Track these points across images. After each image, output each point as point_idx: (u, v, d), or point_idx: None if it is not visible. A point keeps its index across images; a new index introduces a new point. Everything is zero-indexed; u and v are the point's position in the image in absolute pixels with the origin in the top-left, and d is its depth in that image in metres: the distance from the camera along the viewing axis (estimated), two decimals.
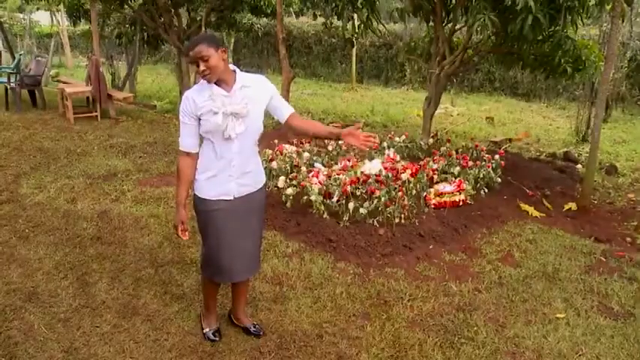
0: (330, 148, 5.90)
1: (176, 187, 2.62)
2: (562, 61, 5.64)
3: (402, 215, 4.45)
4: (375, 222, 4.36)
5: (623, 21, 5.33)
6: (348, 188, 4.56)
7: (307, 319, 3.17)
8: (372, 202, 4.46)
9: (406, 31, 12.94)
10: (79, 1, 9.78)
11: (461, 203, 4.94)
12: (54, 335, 2.94)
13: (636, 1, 5.97)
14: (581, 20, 5.38)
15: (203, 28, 9.04)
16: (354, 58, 13.93)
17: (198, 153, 2.58)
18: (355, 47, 11.23)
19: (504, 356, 2.90)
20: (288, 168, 5.21)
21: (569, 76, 5.93)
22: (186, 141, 2.54)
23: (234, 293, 3.01)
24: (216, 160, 2.54)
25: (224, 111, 2.43)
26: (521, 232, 4.58)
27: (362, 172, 4.90)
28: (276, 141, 5.90)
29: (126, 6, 9.62)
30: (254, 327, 3.01)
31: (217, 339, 2.93)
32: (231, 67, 2.53)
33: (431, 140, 6.61)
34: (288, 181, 4.92)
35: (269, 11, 9.67)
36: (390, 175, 4.87)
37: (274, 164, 5.16)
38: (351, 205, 4.40)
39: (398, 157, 5.68)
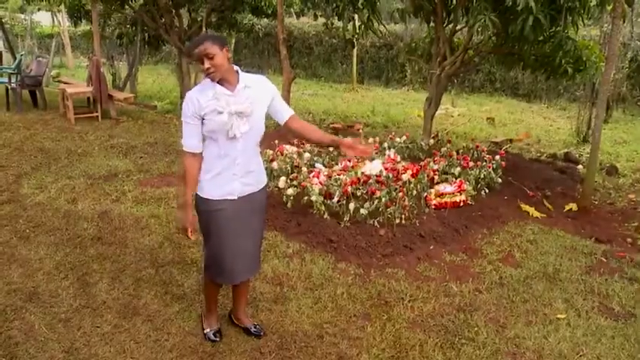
0: (330, 148, 5.89)
1: (182, 189, 2.59)
2: (563, 61, 5.64)
3: (403, 216, 4.45)
4: (376, 222, 4.36)
5: (623, 21, 5.33)
6: (349, 189, 4.56)
7: (308, 319, 3.17)
8: (373, 202, 4.46)
9: (407, 31, 12.96)
10: (80, 2, 9.78)
11: (461, 204, 4.94)
12: (54, 335, 2.94)
13: (637, 1, 5.97)
14: (582, 21, 5.39)
15: (204, 29, 9.04)
16: (354, 59, 13.94)
17: (202, 153, 2.57)
18: (356, 48, 11.24)
19: (505, 357, 2.90)
20: (289, 168, 5.21)
21: (570, 77, 5.94)
22: (191, 141, 2.53)
23: (234, 294, 3.02)
24: (220, 159, 2.54)
25: (229, 110, 2.44)
26: (521, 232, 4.58)
27: (362, 173, 4.90)
28: (276, 141, 5.90)
29: (127, 6, 9.63)
30: (254, 327, 3.01)
31: (218, 339, 2.92)
32: (234, 67, 2.54)
33: (431, 141, 6.61)
34: (288, 181, 4.93)
35: (270, 12, 9.68)
36: (390, 175, 4.87)
37: (275, 164, 5.16)
38: (351, 206, 4.40)
39: (398, 158, 5.69)
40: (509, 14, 5.10)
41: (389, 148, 5.99)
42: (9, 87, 9.05)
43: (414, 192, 4.85)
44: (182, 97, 9.44)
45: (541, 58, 6.03)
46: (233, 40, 14.94)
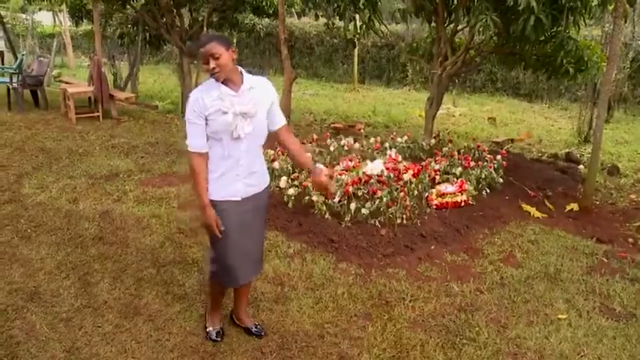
0: (332, 148, 5.90)
1: (196, 189, 2.57)
2: (564, 61, 5.64)
3: (404, 216, 4.45)
4: (377, 222, 4.36)
5: (625, 21, 5.32)
6: (350, 189, 4.56)
7: (309, 319, 3.17)
8: (374, 202, 4.46)
9: (408, 31, 12.94)
10: (81, 2, 9.78)
11: (463, 204, 4.93)
12: (56, 335, 2.95)
13: (638, 1, 5.95)
14: (584, 21, 5.38)
15: (205, 29, 9.04)
16: (355, 59, 13.94)
17: (207, 152, 2.56)
18: (357, 48, 11.23)
19: (506, 357, 2.90)
20: (290, 168, 5.21)
21: (572, 77, 5.94)
22: (197, 141, 2.52)
23: (235, 293, 3.02)
24: (223, 160, 2.54)
25: (233, 111, 2.44)
26: (523, 232, 4.57)
27: (364, 173, 4.90)
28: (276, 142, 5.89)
29: (128, 6, 9.62)
30: (255, 327, 3.01)
31: (219, 340, 2.92)
32: (238, 68, 2.54)
33: (433, 141, 6.61)
34: (289, 181, 4.93)
35: (271, 12, 9.67)
36: (391, 175, 4.87)
37: (276, 164, 5.16)
38: (352, 206, 4.40)
39: (400, 158, 5.69)
40: (511, 14, 5.09)
41: (390, 148, 5.98)
42: (10, 87, 9.06)
43: (415, 192, 4.85)
44: (183, 96, 9.45)
45: (542, 58, 6.03)
46: (234, 40, 14.95)
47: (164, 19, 9.29)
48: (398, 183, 4.78)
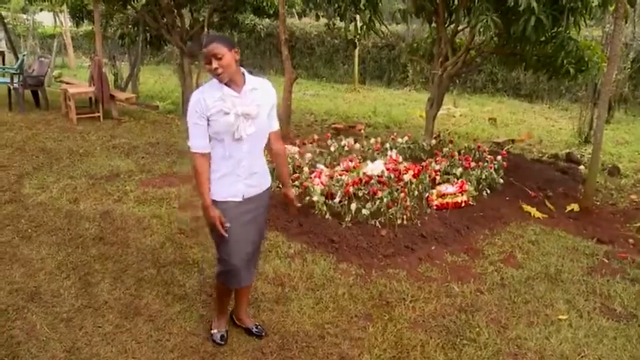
0: (332, 149, 5.90)
1: (199, 189, 2.58)
2: (565, 62, 5.64)
3: (405, 216, 4.45)
4: (378, 223, 4.36)
5: (626, 22, 5.32)
6: (351, 189, 4.56)
7: (309, 319, 3.17)
8: (375, 203, 4.45)
9: (409, 32, 12.94)
10: (82, 2, 9.79)
11: (463, 204, 4.93)
12: (56, 335, 2.95)
13: (639, 2, 5.95)
14: (584, 21, 5.38)
15: (206, 29, 9.04)
16: (356, 59, 13.95)
17: (210, 153, 2.56)
18: (358, 48, 11.24)
19: (506, 357, 2.90)
20: (291, 168, 5.21)
21: (572, 77, 5.94)
22: (200, 142, 2.52)
23: (236, 294, 3.01)
24: (225, 160, 2.54)
25: (235, 112, 2.44)
26: (523, 233, 4.57)
27: (364, 173, 4.90)
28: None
29: (129, 7, 9.63)
30: (256, 327, 3.01)
31: (223, 343, 2.89)
32: (240, 68, 2.54)
33: (433, 141, 6.60)
34: (290, 181, 4.91)
35: (271, 12, 9.67)
36: (392, 176, 4.88)
37: None
38: (353, 206, 4.40)
39: (400, 158, 5.69)
40: (511, 15, 5.09)
41: (391, 149, 5.98)
42: (11, 87, 9.06)
43: (416, 192, 4.85)
44: (184, 97, 9.46)
45: (543, 59, 6.03)
46: (235, 41, 14.96)
47: (165, 20, 9.30)
48: (398, 183, 4.78)
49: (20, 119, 8.37)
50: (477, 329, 3.12)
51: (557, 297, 3.52)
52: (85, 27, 15.24)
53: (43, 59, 10.13)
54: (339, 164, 5.46)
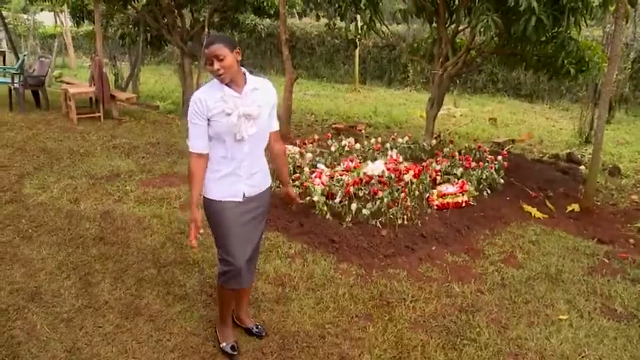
0: (333, 149, 5.90)
1: (190, 189, 2.59)
2: (565, 62, 5.64)
3: (405, 216, 4.45)
4: (378, 223, 4.36)
5: (626, 22, 5.32)
6: (351, 189, 4.56)
7: (310, 319, 3.17)
8: (375, 203, 4.45)
9: (409, 32, 12.94)
10: (82, 2, 9.79)
11: (463, 204, 4.93)
12: (57, 335, 2.95)
13: None
14: (585, 21, 5.38)
15: (206, 29, 9.05)
16: (357, 59, 13.95)
17: (208, 154, 2.57)
18: (358, 48, 11.24)
19: (507, 358, 2.90)
20: (291, 168, 5.21)
21: (573, 78, 5.93)
22: (198, 143, 2.52)
23: (237, 294, 3.00)
24: (226, 161, 2.54)
25: (237, 112, 2.44)
26: (523, 233, 4.57)
27: (365, 173, 4.90)
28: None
29: (129, 7, 9.63)
30: (256, 328, 3.01)
31: (236, 353, 2.83)
32: (241, 69, 2.54)
33: (434, 141, 6.61)
34: (291, 181, 4.92)
35: (272, 12, 9.68)
36: (392, 176, 4.88)
37: None
38: (353, 206, 4.40)
39: (401, 158, 5.69)
40: (512, 15, 5.09)
41: (391, 149, 5.98)
42: (12, 87, 9.07)
43: (416, 192, 4.85)
44: (184, 97, 9.47)
45: (543, 59, 6.03)
46: (236, 41, 14.95)
47: (165, 20, 9.31)
48: (399, 183, 4.78)
49: (21, 119, 8.38)
50: (478, 329, 3.12)
51: (558, 297, 3.52)
52: (86, 27, 15.25)
53: (43, 59, 10.13)
54: (339, 164, 5.47)
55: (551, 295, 3.54)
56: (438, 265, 3.92)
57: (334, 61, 16.09)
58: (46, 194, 5.11)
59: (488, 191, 5.29)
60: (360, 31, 7.10)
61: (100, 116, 8.64)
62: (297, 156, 5.51)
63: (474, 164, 5.42)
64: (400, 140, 6.37)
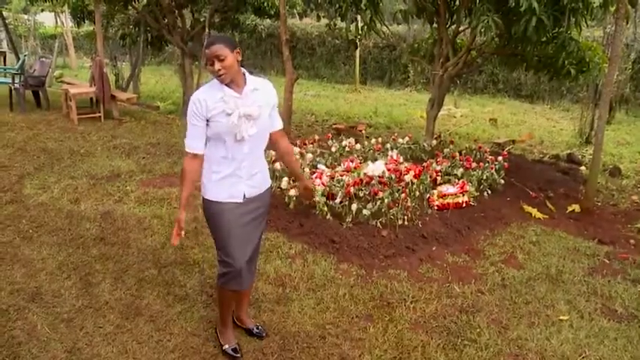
0: (333, 149, 5.90)
1: (180, 189, 2.60)
2: (566, 62, 5.64)
3: (405, 217, 4.45)
4: (378, 223, 4.36)
5: (627, 23, 5.32)
6: (352, 189, 4.56)
7: (310, 320, 3.17)
8: (375, 203, 4.45)
9: (410, 32, 12.95)
10: (83, 2, 9.80)
11: (464, 205, 4.93)
12: (57, 335, 2.95)
13: None
14: (585, 22, 5.38)
15: (207, 30, 9.05)
16: (357, 60, 13.95)
17: (203, 155, 2.57)
18: (359, 49, 11.24)
19: (507, 358, 2.89)
20: None
21: (573, 78, 5.93)
22: (195, 143, 2.52)
23: (237, 294, 3.00)
24: (226, 161, 2.54)
25: (238, 113, 2.43)
26: (524, 233, 4.57)
27: (365, 174, 4.90)
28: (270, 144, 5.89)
29: (130, 7, 9.64)
30: (257, 328, 3.01)
31: (239, 355, 2.82)
32: (241, 69, 2.54)
33: (434, 142, 6.61)
34: (291, 182, 4.93)
35: (272, 12, 9.69)
36: (393, 176, 4.88)
37: (278, 165, 5.16)
38: (354, 207, 4.40)
39: (401, 159, 5.69)
40: (512, 15, 5.09)
41: (391, 149, 5.98)
42: (12, 87, 9.07)
43: (417, 193, 4.85)
44: (185, 97, 9.47)
45: (544, 59, 6.02)
46: (236, 41, 14.95)
47: (166, 20, 9.31)
48: (399, 184, 4.78)
49: (21, 119, 8.38)
50: (478, 330, 3.12)
51: (558, 298, 3.52)
52: (86, 27, 15.26)
53: (44, 59, 10.14)
54: (340, 164, 5.46)
55: (552, 296, 3.54)
56: (438, 266, 3.92)
57: (335, 62, 16.10)
58: (47, 194, 5.11)
59: (489, 192, 5.29)
60: (360, 32, 7.10)
61: (100, 116, 8.64)
62: (298, 156, 5.50)
63: (474, 165, 5.42)
64: (400, 141, 6.37)
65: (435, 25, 6.60)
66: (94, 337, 2.94)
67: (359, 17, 6.99)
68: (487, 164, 5.51)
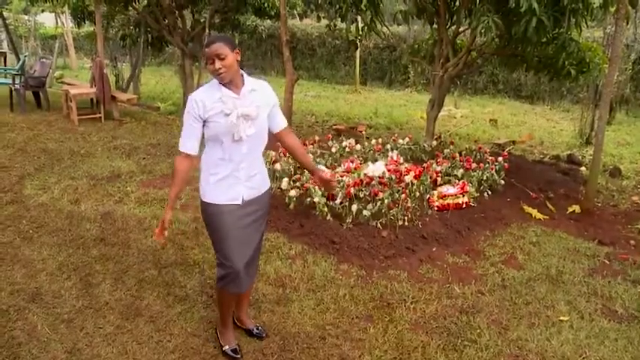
0: (333, 150, 5.90)
1: (170, 188, 2.61)
2: (566, 63, 5.64)
3: (405, 217, 4.45)
4: (378, 224, 4.36)
5: (627, 23, 5.32)
6: (352, 190, 4.56)
7: (310, 321, 3.17)
8: (376, 204, 4.45)
9: (410, 33, 12.96)
10: (83, 3, 9.81)
11: (464, 205, 4.93)
12: (57, 336, 2.95)
13: None
14: (585, 22, 5.38)
15: (207, 30, 9.06)
16: (357, 60, 13.96)
17: (196, 157, 2.57)
18: (359, 49, 11.25)
19: (507, 359, 2.89)
20: (292, 169, 5.22)
21: (573, 79, 5.93)
22: (189, 143, 2.53)
23: (237, 296, 3.00)
24: (224, 163, 2.53)
25: (236, 113, 2.43)
26: (524, 234, 4.57)
27: (365, 174, 4.90)
28: (279, 143, 5.89)
29: (130, 8, 9.65)
30: (257, 329, 3.01)
31: (239, 356, 2.82)
32: (240, 70, 2.54)
33: (434, 142, 6.61)
34: (291, 182, 4.93)
35: (273, 13, 9.69)
36: (393, 177, 4.88)
37: (278, 166, 5.16)
38: (354, 207, 4.40)
39: (401, 160, 5.69)
40: (513, 16, 5.09)
41: (392, 150, 5.98)
42: (13, 88, 9.08)
43: (417, 194, 4.85)
44: (185, 98, 9.46)
45: (544, 60, 6.03)
46: (236, 42, 14.96)
47: (166, 21, 9.32)
48: (399, 185, 4.78)
49: (22, 120, 8.38)
50: (478, 330, 3.12)
51: (559, 298, 3.52)
52: (87, 28, 15.28)
53: (44, 60, 10.14)
54: (340, 165, 5.46)
55: (552, 297, 3.54)
56: (438, 266, 3.92)
57: (335, 62, 16.11)
58: (47, 195, 5.11)
59: (489, 192, 5.29)
60: (360, 33, 7.10)
61: (100, 117, 8.65)
62: None
63: (474, 165, 5.41)
64: (401, 141, 6.37)
65: (435, 25, 6.61)
66: (94, 338, 2.94)
67: (359, 18, 7.00)
68: (487, 165, 5.51)
